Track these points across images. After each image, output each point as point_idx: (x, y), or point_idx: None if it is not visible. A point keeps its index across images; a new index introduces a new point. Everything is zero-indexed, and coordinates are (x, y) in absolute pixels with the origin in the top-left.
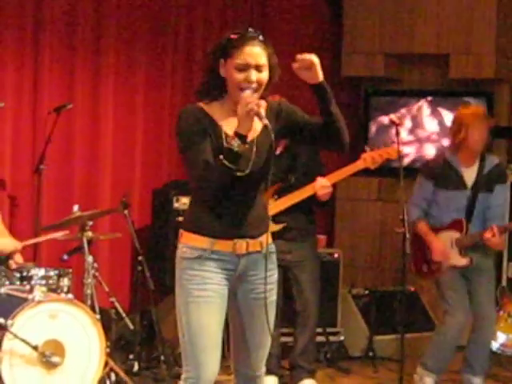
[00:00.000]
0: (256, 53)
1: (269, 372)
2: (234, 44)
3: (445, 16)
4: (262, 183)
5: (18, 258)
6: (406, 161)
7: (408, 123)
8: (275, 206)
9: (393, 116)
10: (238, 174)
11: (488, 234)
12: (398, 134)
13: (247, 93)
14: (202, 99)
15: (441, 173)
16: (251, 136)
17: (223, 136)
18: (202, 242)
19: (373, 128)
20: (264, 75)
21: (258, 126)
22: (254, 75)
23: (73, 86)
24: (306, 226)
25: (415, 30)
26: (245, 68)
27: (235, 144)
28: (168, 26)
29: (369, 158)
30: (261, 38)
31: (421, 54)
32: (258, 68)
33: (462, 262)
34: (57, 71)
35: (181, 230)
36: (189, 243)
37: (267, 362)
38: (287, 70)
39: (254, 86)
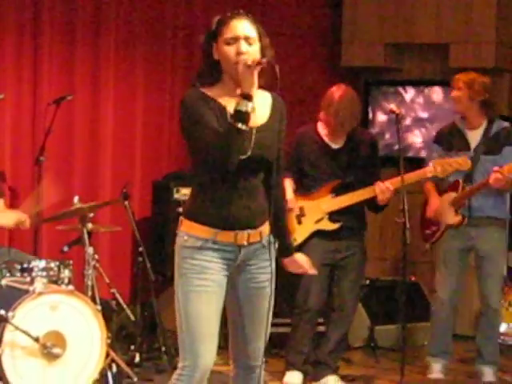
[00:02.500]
0: (243, 25)
1: (294, 368)
2: (221, 22)
3: (444, 5)
4: (262, 171)
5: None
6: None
7: (407, 113)
8: (332, 203)
9: (393, 106)
10: (242, 156)
11: (494, 175)
12: (398, 123)
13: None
14: (200, 85)
15: (447, 135)
16: (255, 123)
17: (229, 115)
18: (204, 231)
19: (373, 118)
20: (254, 48)
21: (265, 113)
22: (244, 46)
23: (72, 78)
24: (359, 226)
25: (415, 20)
26: (234, 41)
27: (242, 104)
28: (167, 16)
29: (439, 167)
30: (249, 16)
31: (421, 44)
32: (248, 40)
33: (455, 219)
34: (56, 63)
35: (181, 218)
36: (190, 232)
37: (293, 357)
38: (286, 59)
39: (247, 57)
